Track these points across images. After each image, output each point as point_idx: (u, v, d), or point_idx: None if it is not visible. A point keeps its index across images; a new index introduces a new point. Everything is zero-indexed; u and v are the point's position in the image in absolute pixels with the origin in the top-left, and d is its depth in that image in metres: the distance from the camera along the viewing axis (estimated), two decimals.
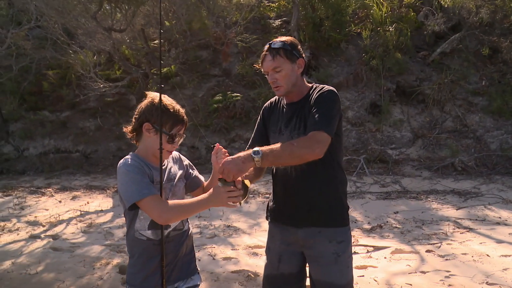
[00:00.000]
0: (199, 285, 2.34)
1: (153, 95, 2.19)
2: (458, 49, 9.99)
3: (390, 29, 10.16)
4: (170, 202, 2.06)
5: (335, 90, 2.42)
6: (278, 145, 2.17)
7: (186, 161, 2.42)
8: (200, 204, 2.05)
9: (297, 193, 2.42)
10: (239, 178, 2.08)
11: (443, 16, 9.79)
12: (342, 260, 2.40)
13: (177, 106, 2.19)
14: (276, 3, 12.42)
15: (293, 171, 2.38)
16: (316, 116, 2.28)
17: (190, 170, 2.42)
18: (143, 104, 2.18)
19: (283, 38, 2.46)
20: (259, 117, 2.70)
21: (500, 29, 9.96)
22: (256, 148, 2.10)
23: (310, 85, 2.53)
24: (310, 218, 2.42)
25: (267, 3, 12.52)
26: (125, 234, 2.31)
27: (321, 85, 2.49)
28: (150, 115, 2.13)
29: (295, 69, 2.44)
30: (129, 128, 2.21)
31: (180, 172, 2.32)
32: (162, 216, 2.01)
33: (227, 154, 2.19)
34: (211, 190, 2.06)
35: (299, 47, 2.48)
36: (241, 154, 2.09)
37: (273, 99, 2.68)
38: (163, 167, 2.16)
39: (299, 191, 2.41)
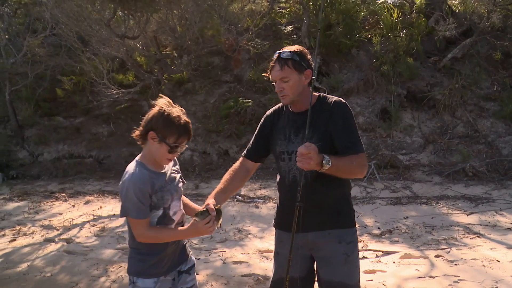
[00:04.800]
0: (195, 264, 2.66)
1: (161, 104, 2.30)
2: (470, 54, 9.97)
3: (401, 35, 10.18)
4: (151, 229, 2.33)
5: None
6: (341, 159, 2.32)
7: (176, 161, 2.58)
8: (178, 235, 2.41)
9: (306, 199, 2.42)
10: (212, 206, 2.32)
11: (454, 21, 9.77)
12: (351, 260, 2.48)
13: (184, 118, 2.29)
14: (287, 10, 12.50)
15: (302, 178, 2.37)
16: (350, 137, 2.45)
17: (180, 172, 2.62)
18: (152, 112, 2.29)
19: (292, 48, 2.50)
20: (259, 125, 2.75)
21: None
22: (326, 158, 2.22)
23: (317, 94, 2.55)
24: (320, 222, 2.48)
25: (278, 9, 12.61)
26: None
27: (330, 97, 2.55)
28: (156, 125, 2.25)
29: (302, 79, 2.49)
30: (137, 132, 2.34)
31: (179, 174, 2.54)
32: (139, 238, 2.34)
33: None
34: (189, 224, 2.32)
35: (308, 56, 2.52)
36: (315, 155, 2.18)
37: (276, 107, 2.73)
38: (164, 171, 2.39)
39: (308, 197, 2.42)
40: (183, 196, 2.61)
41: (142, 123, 2.31)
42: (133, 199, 2.23)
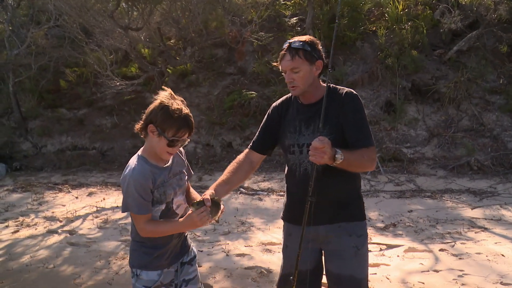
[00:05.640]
0: (196, 255, 2.67)
1: (162, 96, 2.26)
2: (475, 47, 9.87)
3: (406, 27, 10.07)
4: (151, 223, 2.30)
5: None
6: (353, 153, 2.27)
7: (183, 154, 2.55)
8: (176, 228, 2.33)
9: (318, 193, 2.35)
10: (208, 197, 2.23)
11: (460, 14, 9.67)
12: (361, 254, 2.46)
13: (185, 111, 2.24)
14: (292, 1, 12.41)
15: (314, 171, 2.30)
16: (361, 130, 2.39)
17: (187, 165, 2.57)
18: (153, 105, 2.26)
19: (303, 38, 2.45)
20: (266, 116, 2.68)
21: None
22: (339, 152, 2.18)
23: (327, 85, 2.49)
24: (331, 216, 2.45)
25: (283, 1, 12.51)
26: None
27: (341, 88, 2.49)
28: (155, 117, 2.21)
29: (313, 70, 2.45)
30: (138, 125, 2.31)
31: (185, 167, 2.51)
32: (141, 233, 2.34)
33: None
34: (185, 216, 2.28)
35: (319, 47, 2.47)
36: (329, 149, 2.14)
37: (283, 99, 2.68)
38: (167, 165, 2.36)
39: (320, 190, 2.35)
40: (192, 190, 2.58)
41: (143, 116, 2.28)
42: (134, 194, 2.21)
